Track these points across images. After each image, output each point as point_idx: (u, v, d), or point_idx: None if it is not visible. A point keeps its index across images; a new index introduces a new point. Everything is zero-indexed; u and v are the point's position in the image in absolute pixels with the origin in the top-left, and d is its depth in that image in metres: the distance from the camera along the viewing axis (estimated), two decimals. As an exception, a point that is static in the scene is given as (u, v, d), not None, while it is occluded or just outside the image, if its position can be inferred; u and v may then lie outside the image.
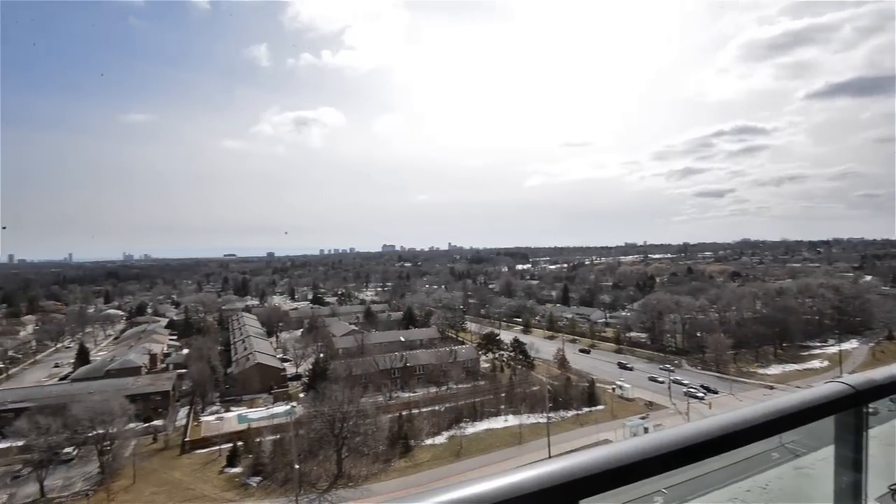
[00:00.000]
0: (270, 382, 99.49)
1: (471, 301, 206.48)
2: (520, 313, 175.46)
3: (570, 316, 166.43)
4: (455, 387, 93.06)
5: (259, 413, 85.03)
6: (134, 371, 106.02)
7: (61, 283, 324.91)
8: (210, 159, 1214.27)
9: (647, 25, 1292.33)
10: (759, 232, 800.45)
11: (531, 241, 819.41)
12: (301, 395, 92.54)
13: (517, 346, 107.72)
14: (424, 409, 79.63)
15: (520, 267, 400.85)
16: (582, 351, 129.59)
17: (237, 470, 63.85)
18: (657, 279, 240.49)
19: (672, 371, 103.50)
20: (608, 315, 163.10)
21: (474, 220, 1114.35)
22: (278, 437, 67.14)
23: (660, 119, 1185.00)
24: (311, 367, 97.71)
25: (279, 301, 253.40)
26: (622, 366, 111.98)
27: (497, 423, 77.91)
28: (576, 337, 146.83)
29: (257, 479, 61.15)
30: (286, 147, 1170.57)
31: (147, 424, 79.53)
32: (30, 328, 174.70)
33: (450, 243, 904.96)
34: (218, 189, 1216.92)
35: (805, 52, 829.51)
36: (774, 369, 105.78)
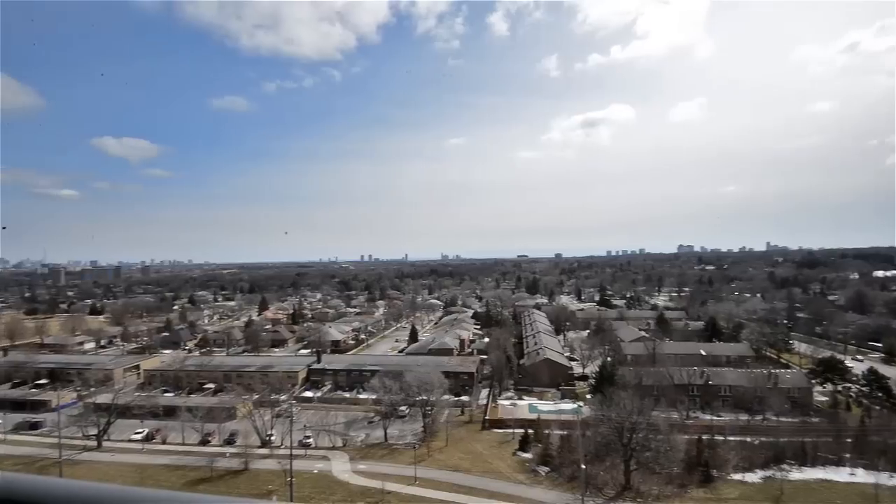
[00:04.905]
0: (558, 378, 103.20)
1: (799, 315, 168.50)
2: (879, 336, 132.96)
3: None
4: (775, 419, 77.17)
5: (547, 406, 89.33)
6: (447, 352, 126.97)
7: (400, 277, 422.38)
8: (507, 170, 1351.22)
9: None
10: None
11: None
12: (587, 395, 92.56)
13: (874, 379, 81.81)
14: (731, 438, 68.71)
15: (880, 274, 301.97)
16: None
17: (528, 455, 68.40)
18: None
19: None
20: None
21: (804, 212, 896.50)
22: (565, 432, 68.82)
23: None
24: (597, 369, 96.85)
25: (566, 301, 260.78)
26: None
27: (837, 474, 60.87)
28: None
29: (545, 468, 64.00)
30: (575, 150, 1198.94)
31: (456, 398, 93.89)
32: (381, 310, 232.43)
33: (768, 243, 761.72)
34: (513, 196, 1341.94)
35: None
36: None
